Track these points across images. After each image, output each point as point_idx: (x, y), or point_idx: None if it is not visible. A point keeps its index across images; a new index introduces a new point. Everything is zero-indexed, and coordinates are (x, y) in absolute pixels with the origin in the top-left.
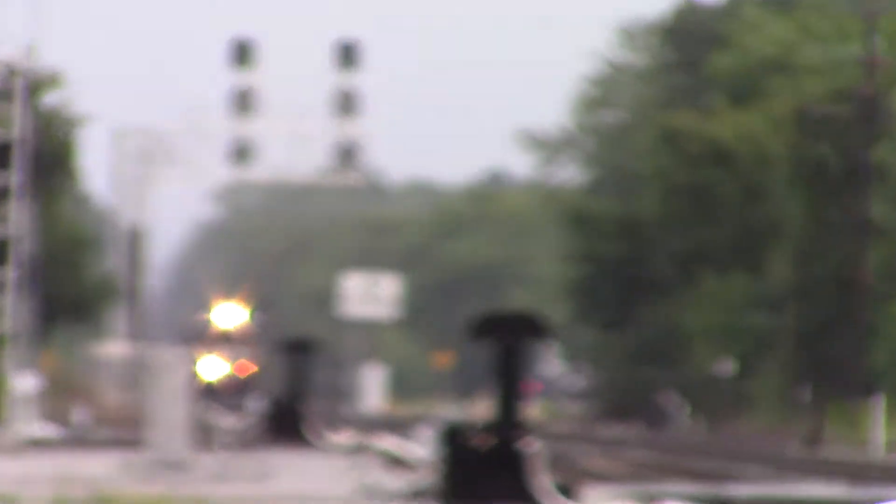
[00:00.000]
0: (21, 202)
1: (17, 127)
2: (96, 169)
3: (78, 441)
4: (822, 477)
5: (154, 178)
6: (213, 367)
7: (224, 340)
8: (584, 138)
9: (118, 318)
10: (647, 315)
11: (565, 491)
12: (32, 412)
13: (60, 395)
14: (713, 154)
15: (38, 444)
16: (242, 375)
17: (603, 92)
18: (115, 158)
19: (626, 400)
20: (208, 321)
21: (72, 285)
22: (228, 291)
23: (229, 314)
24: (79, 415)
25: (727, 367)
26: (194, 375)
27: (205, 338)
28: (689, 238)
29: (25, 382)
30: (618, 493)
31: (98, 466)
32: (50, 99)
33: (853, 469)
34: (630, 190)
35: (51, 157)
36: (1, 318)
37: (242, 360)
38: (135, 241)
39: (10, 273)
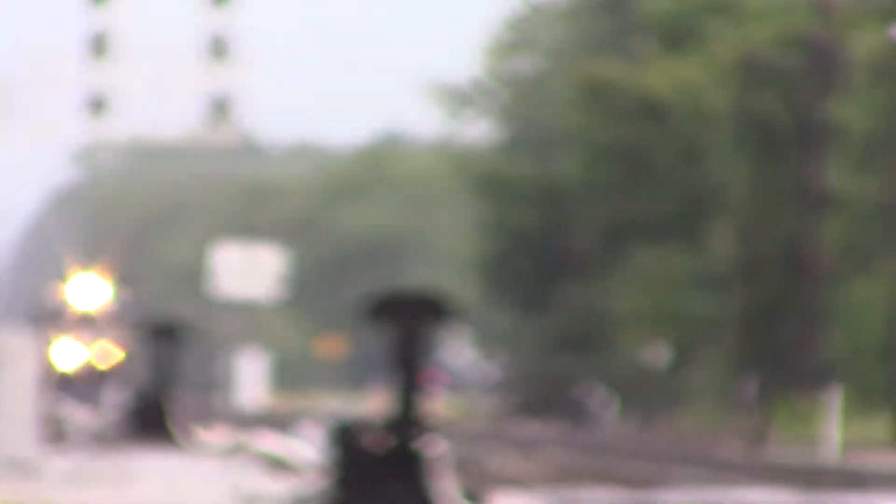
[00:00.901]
0: None
1: None
2: None
3: None
4: (767, 482)
5: None
6: (69, 353)
7: (81, 322)
8: (497, 90)
9: None
10: (569, 296)
11: (473, 498)
12: None
13: None
14: (644, 109)
15: None
16: (103, 363)
17: (518, 36)
18: None
19: (545, 393)
20: (63, 299)
21: None
22: (85, 265)
23: (87, 291)
24: None
25: (662, 356)
26: (45, 362)
27: (58, 318)
28: (618, 207)
29: None
30: (533, 499)
31: None
32: None
33: (804, 473)
34: (549, 151)
35: None
36: None
37: (103, 345)
38: None
39: None
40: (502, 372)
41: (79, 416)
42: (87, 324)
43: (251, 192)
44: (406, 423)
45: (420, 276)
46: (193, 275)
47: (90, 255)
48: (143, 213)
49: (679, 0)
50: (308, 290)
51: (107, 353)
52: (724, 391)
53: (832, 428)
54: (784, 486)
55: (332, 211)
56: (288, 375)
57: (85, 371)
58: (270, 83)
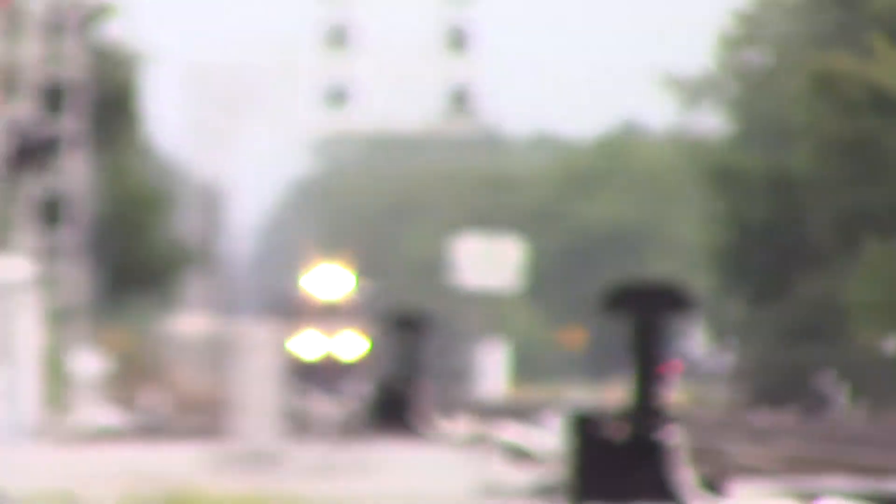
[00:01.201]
0: (79, 153)
1: (71, 65)
2: (167, 116)
3: (149, 430)
4: None
5: (235, 127)
6: (311, 344)
7: (324, 312)
8: (728, 82)
9: (195, 288)
10: (803, 286)
11: (710, 487)
12: (96, 398)
13: (129, 377)
14: (874, 102)
15: (102, 435)
16: (346, 354)
17: (748, 28)
18: (189, 104)
19: (779, 382)
20: (305, 290)
21: (140, 251)
22: (327, 257)
23: (330, 282)
24: (150, 400)
25: (893, 345)
26: (288, 354)
27: (301, 309)
28: (850, 198)
29: (87, 363)
30: (770, 489)
31: (173, 460)
32: (113, 33)
33: None
34: (780, 143)
35: (112, 100)
36: (60, 289)
37: (346, 336)
38: (216, 197)
39: (68, 236)
40: (736, 361)
41: (321, 407)
42: (329, 315)
43: (490, 183)
44: (645, 413)
45: (657, 266)
46: (433, 266)
47: (331, 246)
48: (383, 204)
49: None
50: (547, 281)
51: (351, 343)
52: None
53: None
54: None
55: (570, 202)
56: (528, 366)
57: (327, 362)
58: (508, 74)
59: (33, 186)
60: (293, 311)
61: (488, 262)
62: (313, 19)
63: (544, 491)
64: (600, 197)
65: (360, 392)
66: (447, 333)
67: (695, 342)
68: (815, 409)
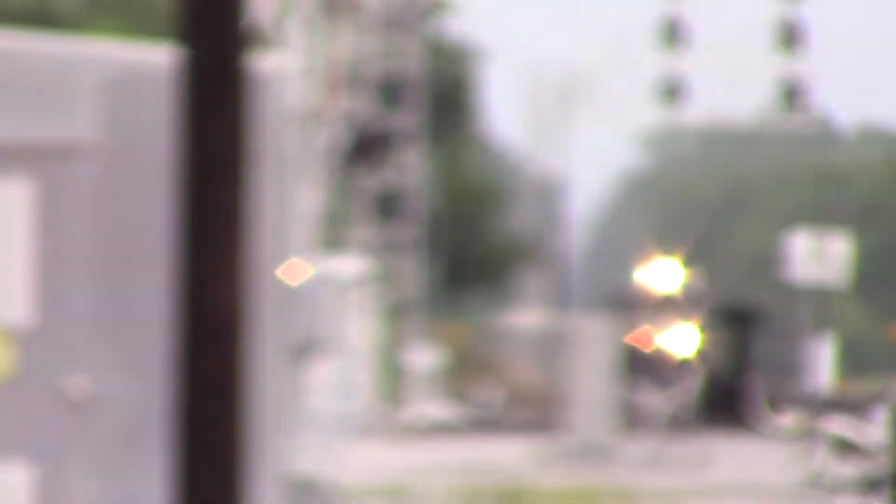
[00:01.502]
0: (415, 148)
1: (409, 61)
2: (504, 110)
3: (485, 424)
4: None
5: (571, 122)
6: (646, 338)
7: (659, 306)
8: None
9: (531, 282)
10: None
11: None
12: (432, 391)
13: (465, 371)
14: None
15: (438, 428)
16: (680, 348)
17: None
18: (526, 99)
19: None
20: (640, 283)
21: (477, 245)
22: (663, 250)
23: (665, 276)
24: (486, 394)
25: None
26: (621, 347)
27: (636, 303)
28: None
29: (421, 358)
30: None
31: (508, 453)
32: (449, 28)
33: None
34: None
35: (447, 96)
36: (396, 284)
37: (681, 330)
38: (551, 192)
39: (404, 231)
40: None
41: (653, 400)
42: (664, 308)
43: (822, 177)
44: None
45: None
46: (764, 261)
47: (666, 240)
48: (714, 198)
49: None
50: (876, 276)
51: (685, 337)
52: None
53: None
54: None
55: None
56: (856, 360)
57: (660, 356)
58: (838, 66)
59: (370, 181)
60: (628, 304)
61: (818, 257)
62: (645, 16)
63: (872, 484)
64: None
65: (691, 386)
66: (776, 328)
67: None
68: None
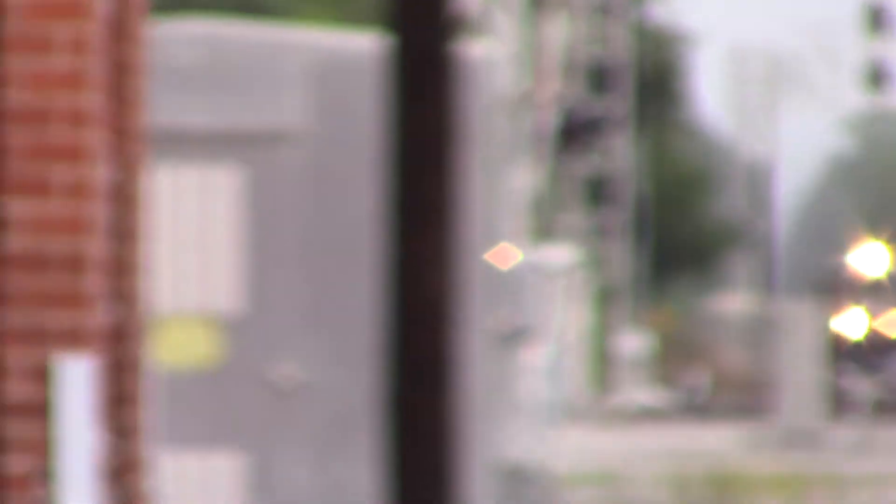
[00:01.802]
0: (623, 133)
1: (617, 47)
2: (710, 96)
3: (694, 409)
4: None
5: (778, 107)
6: (855, 322)
7: (868, 290)
8: None
9: (739, 266)
10: None
11: None
12: (641, 377)
13: (673, 356)
14: None
15: (646, 414)
16: (891, 331)
17: None
18: (732, 84)
19: None
20: (847, 268)
21: (685, 230)
22: (866, 233)
23: (873, 260)
24: (694, 379)
25: None
26: (829, 331)
27: (844, 287)
28: None
29: (633, 342)
30: None
31: (717, 439)
32: (655, 14)
33: None
34: None
35: (654, 81)
36: (604, 270)
37: (890, 314)
38: (757, 177)
39: (613, 216)
40: None
41: (861, 385)
42: (874, 292)
43: None
44: None
45: None
46: None
47: (873, 224)
48: None
49: None
50: None
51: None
52: None
53: None
54: None
55: None
56: None
57: (868, 340)
58: None
59: (578, 167)
60: (835, 288)
61: None
62: (849, 2)
63: None
64: None
65: None
66: None
67: None
68: None
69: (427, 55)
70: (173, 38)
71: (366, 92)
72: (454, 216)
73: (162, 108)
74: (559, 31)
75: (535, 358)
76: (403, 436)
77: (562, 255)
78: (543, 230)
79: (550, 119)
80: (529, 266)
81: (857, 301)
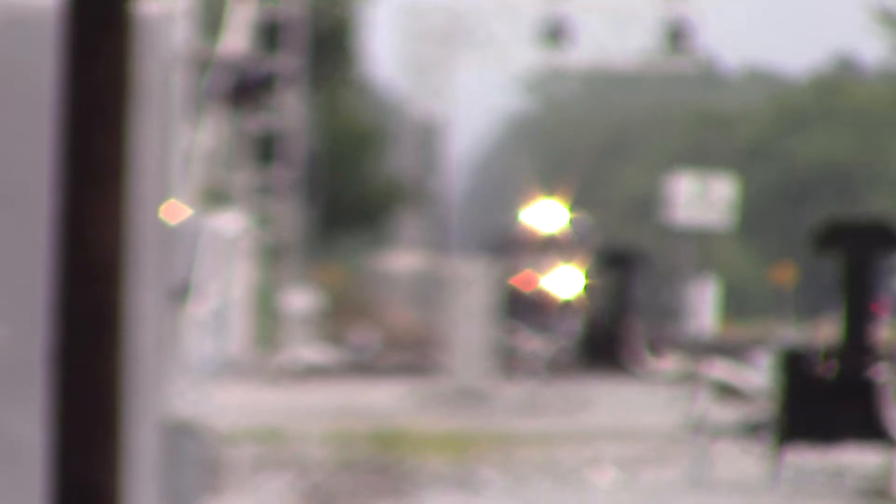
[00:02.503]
0: (295, 91)
1: (291, 3)
2: (385, 52)
3: (361, 367)
4: None
5: (452, 64)
6: (526, 281)
7: (538, 248)
8: None
9: (408, 225)
10: None
11: None
12: (308, 335)
13: (341, 314)
14: None
15: (314, 372)
16: (560, 290)
17: None
18: (408, 41)
19: None
20: (521, 225)
21: (356, 188)
22: (544, 192)
23: (547, 217)
24: (362, 337)
25: None
26: (500, 290)
27: (515, 245)
28: None
29: (302, 300)
30: None
31: (384, 397)
32: None
33: None
34: None
35: (328, 38)
36: (273, 226)
37: (561, 272)
38: (431, 135)
39: (284, 173)
40: None
41: (532, 344)
42: (547, 250)
43: (704, 119)
44: (855, 351)
45: (870, 204)
46: (647, 203)
47: (549, 182)
48: (597, 141)
49: None
50: (759, 218)
51: (567, 279)
52: None
53: None
54: None
55: (783, 138)
56: (738, 303)
57: (541, 299)
58: (723, 8)
59: (251, 124)
60: (508, 246)
61: (701, 199)
62: None
63: (752, 428)
64: (814, 134)
65: (570, 330)
66: (658, 270)
67: None
68: None
69: (103, 11)
70: None
71: (41, 47)
72: (127, 173)
73: None
74: None
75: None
76: (69, 392)
77: (231, 213)
78: (215, 188)
79: (223, 76)
80: (199, 223)
81: (531, 259)
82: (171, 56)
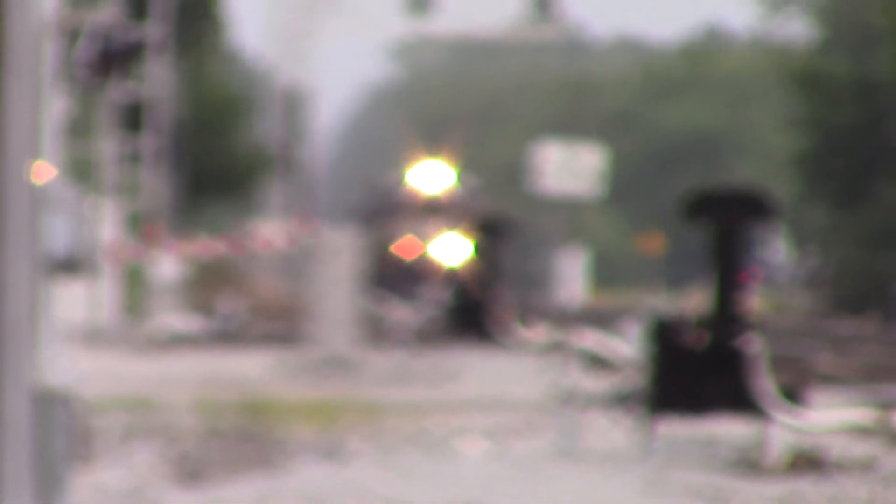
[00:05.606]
0: (160, 58)
1: None
2: (249, 20)
3: (227, 337)
4: None
5: (319, 32)
6: (399, 248)
7: (425, 212)
8: None
9: (276, 192)
10: (886, 192)
11: (790, 395)
12: (174, 304)
13: (207, 283)
14: None
15: (182, 340)
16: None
17: None
18: (273, 7)
19: (860, 289)
20: (402, 188)
21: (220, 156)
22: (410, 157)
23: (431, 179)
24: (228, 307)
25: None
26: (368, 259)
27: (396, 210)
28: None
29: (168, 269)
30: (850, 397)
31: (250, 366)
32: None
33: None
34: (866, 47)
35: (195, 5)
36: (138, 195)
37: (447, 239)
38: (297, 103)
39: (148, 141)
40: (816, 268)
41: (400, 314)
42: (428, 215)
43: (572, 88)
44: (725, 321)
45: (738, 173)
46: (515, 172)
47: (415, 150)
48: (465, 109)
49: None
50: (628, 187)
51: (453, 246)
52: None
53: None
54: None
55: (652, 107)
56: (607, 273)
57: (415, 266)
58: None
59: (116, 92)
60: (388, 211)
61: (569, 167)
62: None
63: (622, 399)
64: (683, 102)
65: (439, 299)
66: (527, 239)
67: (775, 249)
68: (893, 316)
69: None
70: None
71: None
72: None
73: None
74: None
75: (72, 283)
76: None
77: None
78: (80, 157)
79: (91, 44)
80: (67, 191)
81: (411, 225)
82: (37, 23)
